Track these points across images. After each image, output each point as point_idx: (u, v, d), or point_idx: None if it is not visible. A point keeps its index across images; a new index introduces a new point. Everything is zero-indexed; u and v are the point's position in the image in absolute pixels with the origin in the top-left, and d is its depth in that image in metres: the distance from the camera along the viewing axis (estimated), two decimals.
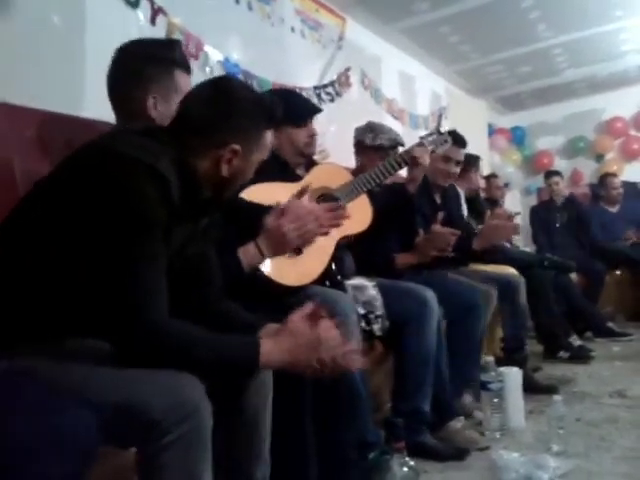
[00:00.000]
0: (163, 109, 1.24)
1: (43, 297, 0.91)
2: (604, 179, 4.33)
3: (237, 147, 1.00)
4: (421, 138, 1.99)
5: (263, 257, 1.36)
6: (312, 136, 1.75)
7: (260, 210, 1.43)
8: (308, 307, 1.03)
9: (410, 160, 1.89)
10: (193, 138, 0.99)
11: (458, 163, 2.47)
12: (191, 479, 0.85)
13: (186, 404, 0.84)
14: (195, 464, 0.85)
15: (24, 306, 0.91)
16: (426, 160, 1.92)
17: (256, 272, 1.41)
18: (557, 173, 4.12)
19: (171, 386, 0.85)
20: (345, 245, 1.74)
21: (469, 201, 2.96)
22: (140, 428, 0.83)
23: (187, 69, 1.30)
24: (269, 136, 1.08)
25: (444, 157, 2.40)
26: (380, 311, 1.67)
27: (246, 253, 1.34)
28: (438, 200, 2.49)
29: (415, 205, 2.04)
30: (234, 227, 1.37)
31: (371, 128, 2.21)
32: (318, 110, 1.81)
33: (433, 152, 2.00)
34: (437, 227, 2.08)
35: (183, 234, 1.02)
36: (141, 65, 1.25)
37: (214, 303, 1.12)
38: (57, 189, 0.92)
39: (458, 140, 2.41)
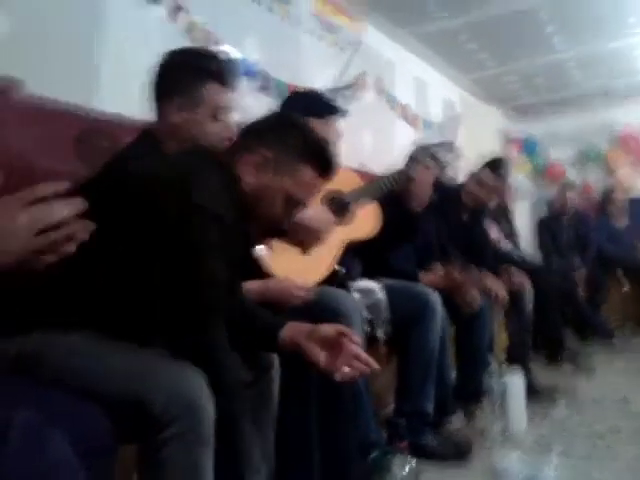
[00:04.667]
0: (186, 118, 1.22)
1: (71, 288, 0.94)
2: (607, 195, 4.25)
3: None
4: (434, 151, 1.95)
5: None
6: (336, 135, 1.73)
7: None
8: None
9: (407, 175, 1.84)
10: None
11: (492, 191, 2.44)
12: (192, 474, 0.85)
13: (186, 399, 0.84)
14: (196, 459, 0.85)
15: (49, 294, 0.94)
16: (422, 177, 1.84)
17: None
18: (572, 187, 4.02)
19: (171, 381, 0.86)
20: (353, 251, 1.74)
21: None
22: (140, 423, 0.84)
23: (223, 82, 1.25)
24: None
25: (478, 180, 2.40)
26: (385, 315, 1.67)
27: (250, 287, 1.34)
28: (465, 218, 2.47)
29: (418, 224, 1.98)
30: None
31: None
32: (344, 112, 1.78)
33: (444, 165, 1.96)
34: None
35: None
36: (171, 71, 1.25)
37: (236, 297, 1.14)
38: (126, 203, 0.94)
39: (498, 168, 2.39)
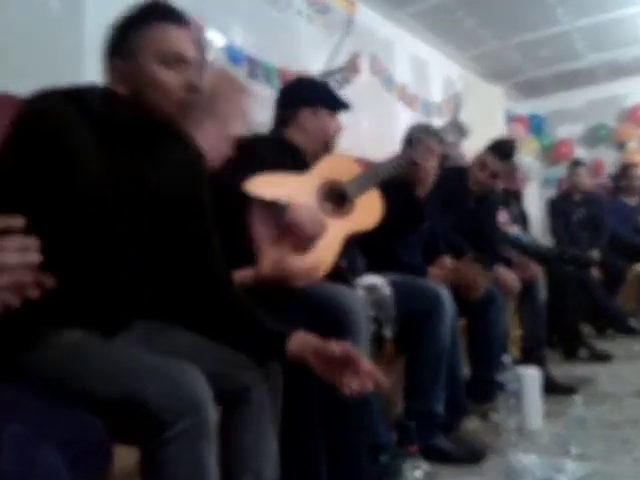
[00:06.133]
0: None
1: None
2: (625, 170, 4.20)
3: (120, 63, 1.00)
4: (438, 130, 1.87)
5: (259, 282, 1.34)
6: (339, 129, 1.72)
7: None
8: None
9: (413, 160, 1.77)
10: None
11: (494, 175, 2.37)
12: (196, 473, 0.84)
13: (186, 398, 0.83)
14: (200, 458, 0.85)
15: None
16: (427, 161, 1.76)
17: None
18: (582, 164, 3.97)
19: (170, 378, 0.85)
20: (355, 243, 1.68)
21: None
22: (140, 422, 0.83)
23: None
24: (161, 30, 1.00)
25: (480, 163, 2.34)
26: (391, 313, 1.60)
27: (243, 276, 1.31)
28: (472, 204, 2.41)
29: (424, 212, 1.89)
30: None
31: None
32: (349, 105, 1.76)
33: (449, 143, 1.87)
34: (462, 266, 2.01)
35: (127, 156, 1.00)
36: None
37: (221, 287, 1.11)
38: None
39: (500, 150, 2.33)
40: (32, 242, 0.65)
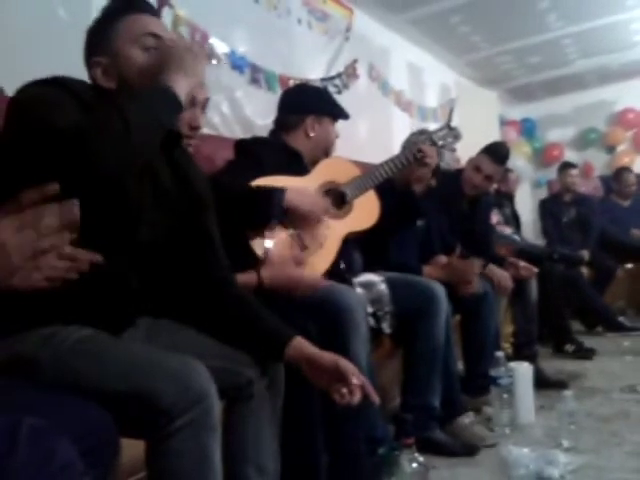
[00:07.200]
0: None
1: None
2: (619, 174, 4.21)
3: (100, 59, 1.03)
4: (431, 134, 1.93)
5: (261, 286, 1.37)
6: (336, 137, 1.76)
7: (266, 193, 1.43)
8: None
9: (418, 158, 1.81)
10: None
11: (489, 178, 2.41)
12: (201, 465, 0.85)
13: (193, 390, 0.84)
14: (204, 450, 0.85)
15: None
16: (434, 160, 1.84)
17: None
18: (573, 166, 4.00)
19: (177, 372, 0.85)
20: (354, 241, 1.72)
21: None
22: (147, 416, 0.84)
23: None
24: (135, 18, 1.05)
25: (475, 166, 2.38)
26: (388, 308, 1.65)
27: (246, 280, 1.34)
28: (465, 206, 2.46)
29: (421, 207, 1.95)
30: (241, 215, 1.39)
31: None
32: (349, 115, 1.81)
33: (442, 147, 1.94)
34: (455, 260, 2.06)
35: None
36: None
37: (222, 285, 1.13)
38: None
39: (495, 154, 2.37)
40: (70, 203, 0.63)
